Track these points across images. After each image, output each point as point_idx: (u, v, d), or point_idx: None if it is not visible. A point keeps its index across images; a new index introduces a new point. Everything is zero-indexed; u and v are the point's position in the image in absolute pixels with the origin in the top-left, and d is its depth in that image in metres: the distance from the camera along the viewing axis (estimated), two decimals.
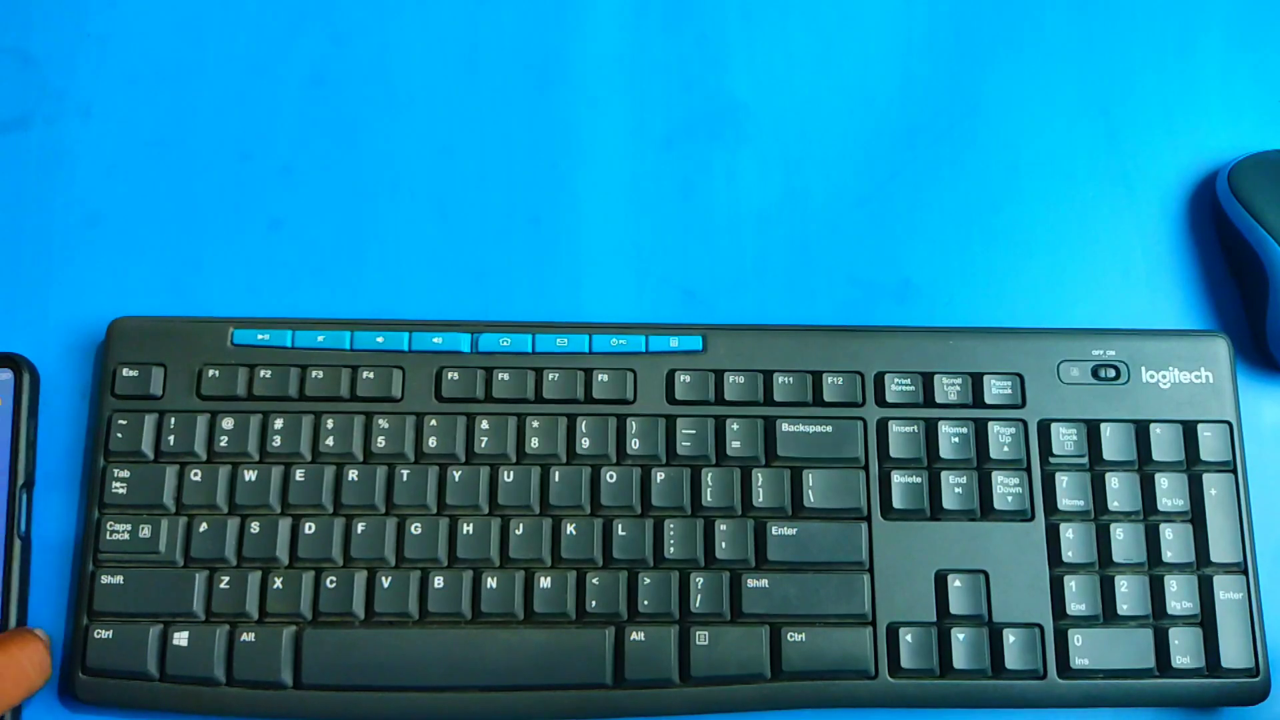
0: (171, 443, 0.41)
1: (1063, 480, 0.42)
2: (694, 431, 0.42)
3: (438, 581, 0.40)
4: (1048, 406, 0.42)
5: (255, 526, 0.40)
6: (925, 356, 0.43)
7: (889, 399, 0.42)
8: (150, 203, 0.46)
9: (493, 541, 0.40)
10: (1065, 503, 0.41)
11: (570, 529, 0.40)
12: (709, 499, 0.41)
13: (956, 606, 0.40)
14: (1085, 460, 0.42)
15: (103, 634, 0.39)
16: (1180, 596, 0.41)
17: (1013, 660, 0.40)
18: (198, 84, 0.48)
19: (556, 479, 0.41)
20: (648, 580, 0.40)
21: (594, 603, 0.40)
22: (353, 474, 0.41)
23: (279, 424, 0.41)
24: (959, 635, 0.40)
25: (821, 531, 0.41)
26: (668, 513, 0.41)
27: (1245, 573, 0.41)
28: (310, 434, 0.41)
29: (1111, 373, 0.43)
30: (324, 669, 0.39)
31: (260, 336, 0.42)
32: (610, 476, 0.41)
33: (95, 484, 0.41)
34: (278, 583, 0.40)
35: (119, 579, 0.40)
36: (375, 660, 0.39)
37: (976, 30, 0.50)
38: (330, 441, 0.41)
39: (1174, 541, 0.41)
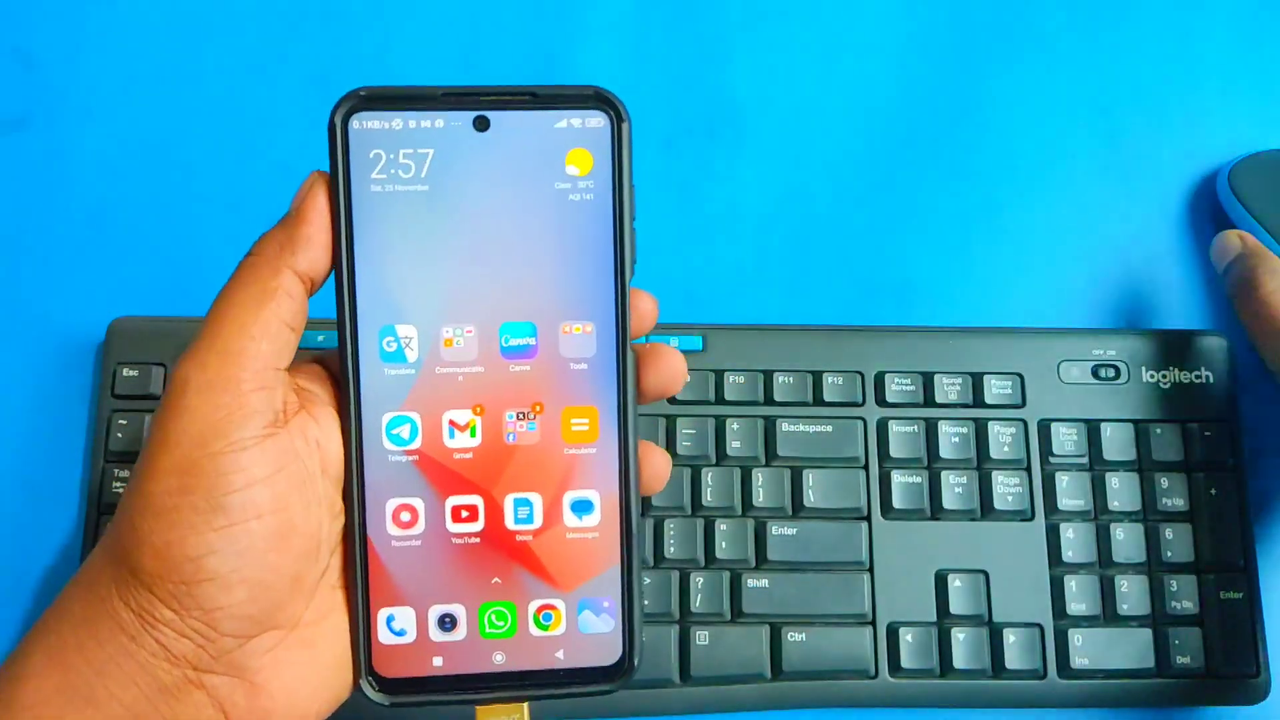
0: None
1: (1063, 480, 0.42)
2: (694, 431, 0.42)
3: None
4: (1048, 406, 0.42)
5: None
6: (925, 356, 0.43)
7: (889, 399, 0.42)
8: (150, 203, 0.46)
9: None
10: (1065, 503, 0.41)
11: None
12: (709, 499, 0.41)
13: (956, 606, 0.40)
14: (1085, 460, 0.42)
15: None
16: (1180, 596, 0.41)
17: (1013, 660, 0.40)
18: (198, 84, 0.48)
19: None
20: (648, 580, 0.40)
21: None
22: None
23: None
24: (959, 635, 0.40)
25: (821, 531, 0.41)
26: (668, 512, 0.41)
27: (1245, 572, 0.41)
28: None
29: (1111, 373, 0.43)
30: None
31: None
32: None
33: (95, 484, 0.41)
34: None
35: None
36: None
37: (976, 30, 0.50)
38: None
39: (1174, 541, 0.41)
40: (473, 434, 0.29)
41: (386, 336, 0.29)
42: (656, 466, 0.31)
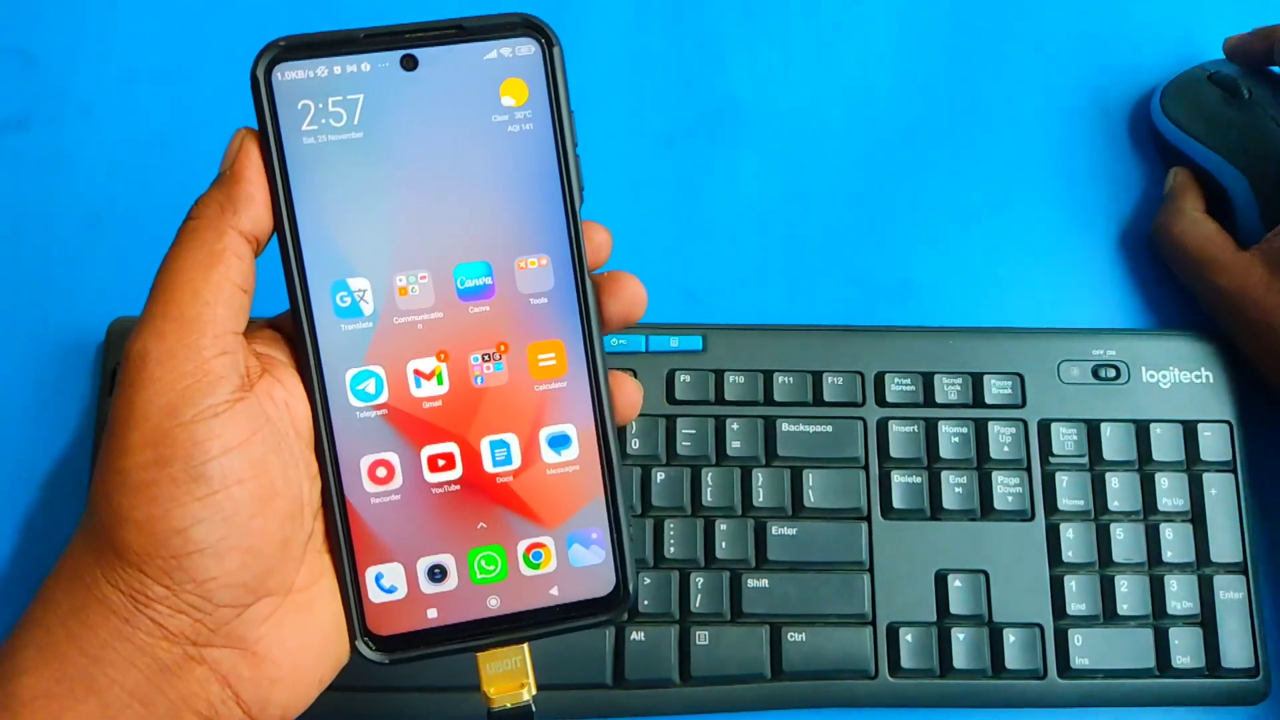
0: None
1: (1063, 480, 0.42)
2: (694, 431, 0.42)
3: None
4: (1048, 406, 0.42)
5: None
6: (925, 356, 0.43)
7: (889, 399, 0.42)
8: (150, 203, 0.46)
9: None
10: (1065, 503, 0.41)
11: None
12: (709, 499, 0.41)
13: (956, 606, 0.40)
14: (1085, 460, 0.42)
15: None
16: (1180, 596, 0.41)
17: (1013, 660, 0.40)
18: (198, 84, 0.48)
19: None
20: (648, 580, 0.40)
21: None
22: None
23: None
24: (959, 635, 0.40)
25: (821, 531, 0.41)
26: (668, 513, 0.41)
27: (1245, 573, 0.41)
28: None
29: (1111, 373, 0.43)
30: None
31: None
32: None
33: None
34: None
35: None
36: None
37: (976, 29, 0.50)
38: None
39: (1174, 541, 0.41)
40: (439, 381, 0.29)
41: (340, 292, 0.28)
42: (629, 394, 0.31)
